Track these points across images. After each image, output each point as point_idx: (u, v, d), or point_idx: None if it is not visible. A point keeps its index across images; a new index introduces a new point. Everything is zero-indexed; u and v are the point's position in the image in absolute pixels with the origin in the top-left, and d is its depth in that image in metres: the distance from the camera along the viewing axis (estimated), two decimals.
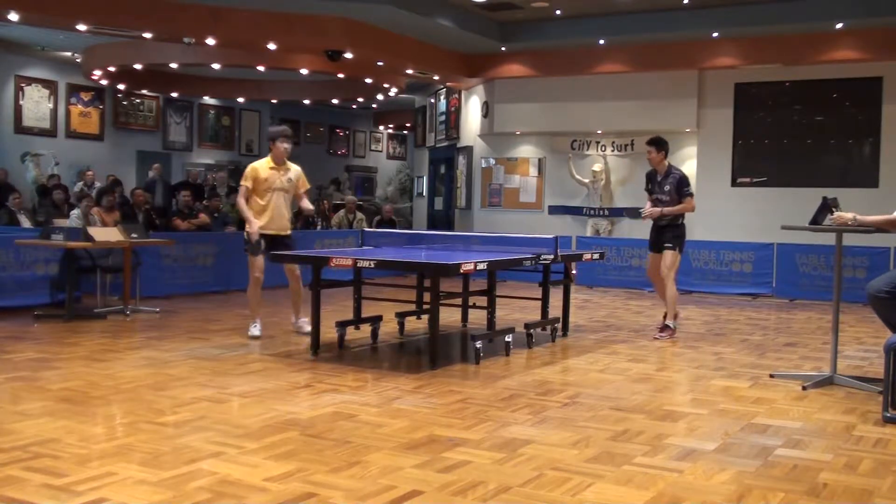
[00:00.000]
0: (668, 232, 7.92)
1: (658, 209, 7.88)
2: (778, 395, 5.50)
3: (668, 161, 8.05)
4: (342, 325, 7.06)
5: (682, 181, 7.88)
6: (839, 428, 4.68)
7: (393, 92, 16.03)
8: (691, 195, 7.90)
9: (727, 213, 12.70)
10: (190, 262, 10.54)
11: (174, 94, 17.44)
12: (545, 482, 3.63)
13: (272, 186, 7.44)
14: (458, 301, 8.10)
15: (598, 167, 13.74)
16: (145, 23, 10.82)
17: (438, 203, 16.96)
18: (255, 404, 4.98)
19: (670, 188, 7.85)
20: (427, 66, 13.58)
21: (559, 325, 7.81)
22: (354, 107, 20.24)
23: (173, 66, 13.92)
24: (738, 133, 12.82)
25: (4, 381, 5.48)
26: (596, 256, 8.29)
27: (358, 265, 6.40)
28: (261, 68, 13.78)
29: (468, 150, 15.21)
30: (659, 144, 7.95)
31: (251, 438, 4.22)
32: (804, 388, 5.62)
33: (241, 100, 18.21)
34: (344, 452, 4.01)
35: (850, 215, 5.46)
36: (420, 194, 18.75)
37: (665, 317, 8.03)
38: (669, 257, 7.89)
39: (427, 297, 6.77)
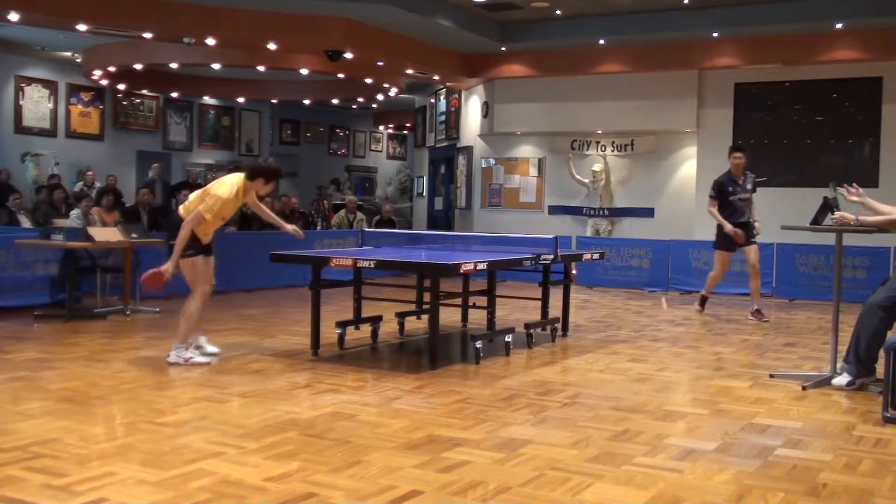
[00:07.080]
0: (748, 226, 9.01)
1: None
2: (778, 395, 5.50)
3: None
4: (342, 325, 7.06)
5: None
6: (839, 428, 4.68)
7: (393, 92, 16.03)
8: None
9: None
10: None
11: (174, 94, 17.43)
12: (545, 482, 3.63)
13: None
14: (458, 301, 8.10)
15: (598, 167, 13.74)
16: (145, 23, 10.82)
17: (438, 203, 16.95)
18: (255, 404, 4.98)
19: (752, 186, 8.90)
20: (427, 66, 13.58)
21: (559, 325, 7.81)
22: (354, 107, 20.22)
23: (173, 66, 13.91)
24: (738, 133, 12.79)
25: (4, 381, 5.48)
26: (596, 256, 8.29)
27: (358, 265, 6.40)
28: (261, 68, 13.77)
29: (468, 150, 15.20)
30: (745, 150, 8.96)
31: (251, 438, 4.22)
32: (804, 388, 5.62)
33: (241, 100, 18.19)
34: (344, 452, 4.01)
35: (852, 216, 5.46)
36: (420, 194, 18.74)
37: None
38: (756, 250, 9.09)
39: (427, 297, 6.77)
